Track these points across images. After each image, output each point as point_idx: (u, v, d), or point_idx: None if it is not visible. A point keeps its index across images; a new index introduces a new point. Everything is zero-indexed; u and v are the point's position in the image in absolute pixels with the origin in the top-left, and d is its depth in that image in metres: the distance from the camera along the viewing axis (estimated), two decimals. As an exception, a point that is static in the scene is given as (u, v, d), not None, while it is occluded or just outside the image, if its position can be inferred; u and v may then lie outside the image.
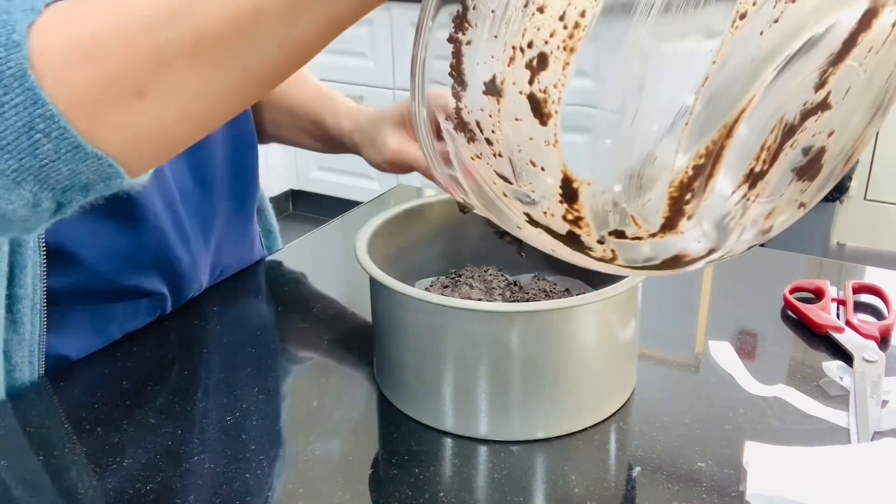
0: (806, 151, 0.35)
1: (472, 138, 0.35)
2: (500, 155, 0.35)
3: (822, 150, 0.36)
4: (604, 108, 0.33)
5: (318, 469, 0.51)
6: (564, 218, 0.36)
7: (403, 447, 0.52)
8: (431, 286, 0.66)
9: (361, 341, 0.66)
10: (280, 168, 2.99)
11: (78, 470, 0.50)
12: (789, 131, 0.34)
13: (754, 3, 0.30)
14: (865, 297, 0.71)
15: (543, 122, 0.33)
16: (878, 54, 0.33)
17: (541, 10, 0.31)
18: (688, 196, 0.35)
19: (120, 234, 0.62)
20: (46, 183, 0.37)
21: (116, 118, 0.36)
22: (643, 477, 0.49)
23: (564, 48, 0.31)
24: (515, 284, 0.66)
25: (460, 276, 0.67)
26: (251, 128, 0.76)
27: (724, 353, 0.62)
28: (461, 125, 0.36)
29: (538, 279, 0.68)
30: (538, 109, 0.33)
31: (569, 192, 0.35)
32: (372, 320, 0.59)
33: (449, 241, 0.68)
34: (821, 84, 0.33)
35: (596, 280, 0.66)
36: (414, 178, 2.80)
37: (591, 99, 0.33)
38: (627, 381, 0.57)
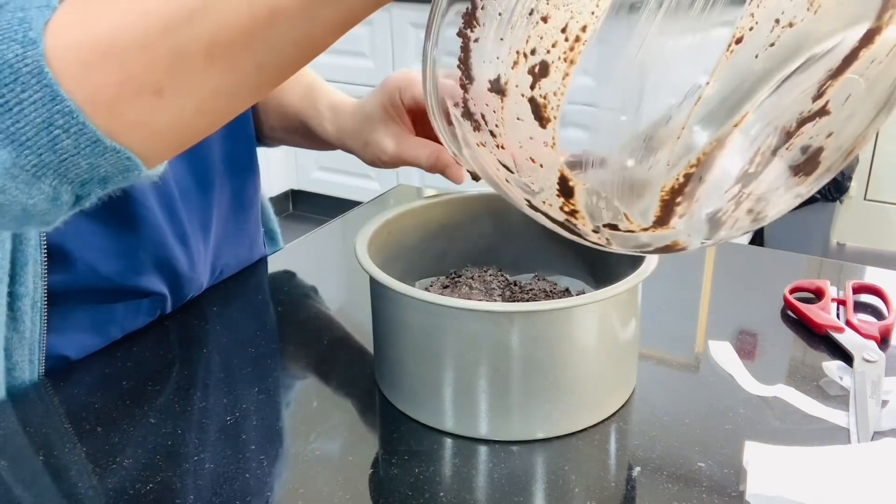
0: (804, 150, 0.35)
1: (477, 127, 0.36)
2: (502, 147, 0.36)
3: (819, 150, 0.36)
4: (601, 115, 0.34)
5: (318, 469, 0.51)
6: (561, 209, 0.37)
7: (403, 447, 0.52)
8: (431, 286, 0.66)
9: (361, 341, 0.66)
10: (280, 168, 2.99)
11: (78, 470, 0.50)
12: (785, 137, 0.34)
13: (751, 28, 0.30)
14: (865, 297, 0.71)
15: (543, 126, 0.34)
16: (882, 64, 0.33)
17: (544, 19, 0.32)
18: (678, 199, 0.35)
19: (118, 234, 0.62)
20: (66, 177, 0.38)
21: (134, 115, 0.37)
22: (643, 477, 0.49)
23: (565, 59, 0.32)
24: (515, 284, 0.66)
25: (460, 276, 0.67)
26: (249, 126, 0.76)
27: (724, 353, 0.62)
28: (468, 114, 0.36)
29: (538, 279, 0.68)
30: (538, 113, 0.34)
31: (565, 189, 0.36)
32: (372, 320, 0.59)
33: (449, 241, 0.68)
34: (819, 95, 0.33)
35: (596, 280, 0.66)
36: (414, 178, 2.80)
37: (594, 99, 0.34)
38: (627, 381, 0.57)
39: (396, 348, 0.55)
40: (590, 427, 0.54)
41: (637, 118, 0.34)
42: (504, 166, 0.37)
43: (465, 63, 0.35)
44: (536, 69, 0.33)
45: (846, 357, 0.61)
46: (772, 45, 0.31)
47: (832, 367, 0.60)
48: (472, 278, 0.66)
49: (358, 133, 0.72)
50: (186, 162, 0.68)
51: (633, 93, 0.33)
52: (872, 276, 0.77)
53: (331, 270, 0.82)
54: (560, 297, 0.64)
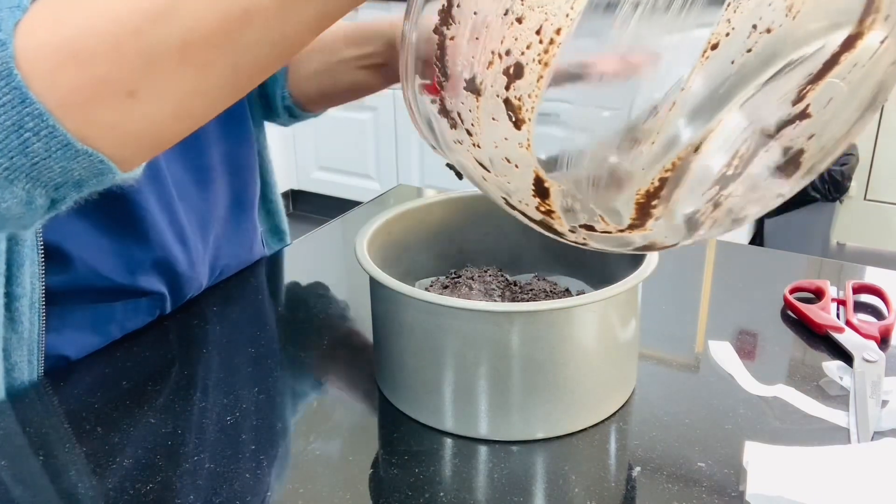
0: (785, 152, 0.35)
1: (454, 125, 0.36)
2: (478, 146, 0.36)
3: (801, 151, 0.35)
4: (578, 114, 0.34)
5: (318, 469, 0.51)
6: (538, 209, 0.37)
7: (403, 447, 0.52)
8: (431, 286, 0.66)
9: (361, 341, 0.66)
10: (280, 168, 2.99)
11: (78, 470, 0.50)
12: (764, 140, 0.34)
13: (727, 34, 0.30)
14: (865, 297, 0.71)
15: (518, 127, 0.34)
16: (864, 68, 0.33)
17: (519, 20, 0.31)
18: (654, 202, 0.35)
19: (117, 234, 0.62)
20: (39, 180, 0.37)
21: (107, 118, 0.36)
22: (643, 477, 0.49)
23: (539, 62, 0.32)
24: (515, 284, 0.66)
25: (460, 276, 0.67)
26: (248, 125, 0.76)
27: (724, 353, 0.62)
28: (444, 111, 0.36)
29: (538, 279, 0.68)
30: (513, 114, 0.33)
31: (540, 190, 0.36)
32: (372, 320, 0.59)
33: (449, 241, 0.68)
34: (799, 99, 0.33)
35: (596, 280, 0.66)
36: (414, 178, 2.80)
37: (570, 98, 0.34)
38: (627, 381, 0.57)
39: (396, 348, 0.55)
40: (590, 427, 0.54)
41: (613, 120, 0.33)
42: (481, 165, 0.37)
43: (440, 61, 0.35)
44: (511, 70, 0.32)
45: (846, 357, 0.61)
46: (749, 50, 0.30)
47: (832, 367, 0.60)
48: (472, 278, 0.66)
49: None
50: (185, 161, 0.68)
51: (609, 94, 0.33)
52: (872, 276, 0.77)
53: (331, 270, 0.82)
54: (560, 297, 0.64)
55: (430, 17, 0.35)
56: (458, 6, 0.33)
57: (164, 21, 0.35)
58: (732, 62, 0.31)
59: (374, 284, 0.55)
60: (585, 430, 0.54)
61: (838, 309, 0.69)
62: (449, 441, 0.53)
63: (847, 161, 2.37)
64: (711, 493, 0.48)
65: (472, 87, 0.34)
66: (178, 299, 0.70)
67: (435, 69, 0.35)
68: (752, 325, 0.68)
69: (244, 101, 0.76)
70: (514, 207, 0.39)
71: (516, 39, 0.32)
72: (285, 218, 0.89)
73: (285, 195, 3.11)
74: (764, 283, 0.75)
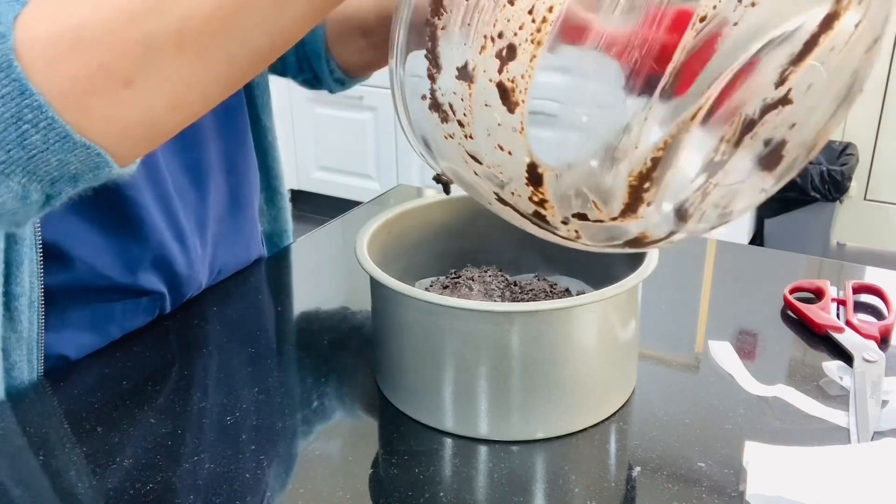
0: (767, 143, 0.36)
1: (445, 119, 0.36)
2: (471, 137, 0.36)
3: (783, 142, 0.36)
4: (569, 100, 0.34)
5: (318, 469, 0.51)
6: (531, 199, 0.38)
7: (403, 447, 0.52)
8: (431, 286, 0.66)
9: (361, 341, 0.66)
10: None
11: (78, 470, 0.50)
12: (749, 125, 0.35)
13: (714, 7, 0.31)
14: (865, 297, 0.71)
15: (511, 110, 0.34)
16: (841, 54, 0.34)
17: (511, 2, 0.32)
18: (647, 185, 0.35)
19: (115, 233, 0.62)
20: (35, 174, 0.37)
21: (104, 108, 0.36)
22: (643, 477, 0.49)
23: (532, 41, 0.32)
24: (515, 284, 0.66)
25: (460, 276, 0.67)
26: (245, 123, 0.76)
27: (724, 353, 0.62)
28: (435, 105, 0.36)
29: (538, 279, 0.68)
30: (506, 98, 0.34)
31: (534, 177, 0.36)
32: (372, 320, 0.59)
33: (449, 241, 0.68)
34: (781, 81, 0.34)
35: (596, 280, 0.66)
36: (414, 178, 2.80)
37: (559, 91, 0.34)
38: (627, 381, 0.57)
39: (396, 348, 0.55)
40: (590, 427, 0.54)
41: (601, 98, 0.34)
42: (473, 158, 0.37)
43: (432, 52, 0.35)
44: (504, 52, 0.33)
45: (846, 357, 0.61)
46: (735, 24, 0.31)
47: (832, 367, 0.60)
48: (472, 278, 0.66)
49: None
50: (182, 160, 0.68)
51: (599, 77, 0.33)
52: (872, 276, 0.77)
53: (331, 270, 0.82)
54: (560, 297, 0.64)
55: (422, 6, 0.35)
56: None
57: (161, 10, 0.35)
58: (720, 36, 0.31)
59: (374, 284, 0.55)
60: (585, 430, 0.54)
61: (838, 309, 0.69)
62: (449, 441, 0.53)
63: (847, 161, 2.37)
64: (711, 493, 0.48)
65: (465, 75, 0.34)
66: (177, 299, 0.70)
67: (427, 61, 0.35)
68: (752, 325, 0.68)
69: (241, 100, 0.75)
70: (505, 202, 0.39)
71: (508, 21, 0.32)
72: (290, 215, 0.89)
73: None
74: (764, 283, 0.75)
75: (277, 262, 0.83)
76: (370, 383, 0.60)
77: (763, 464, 0.48)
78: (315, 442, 0.53)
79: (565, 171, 0.36)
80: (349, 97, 2.72)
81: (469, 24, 0.33)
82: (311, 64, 0.77)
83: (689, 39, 0.31)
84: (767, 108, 0.34)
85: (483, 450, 0.52)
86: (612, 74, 0.33)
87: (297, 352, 0.65)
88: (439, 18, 0.34)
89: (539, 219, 0.39)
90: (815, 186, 2.33)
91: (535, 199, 0.37)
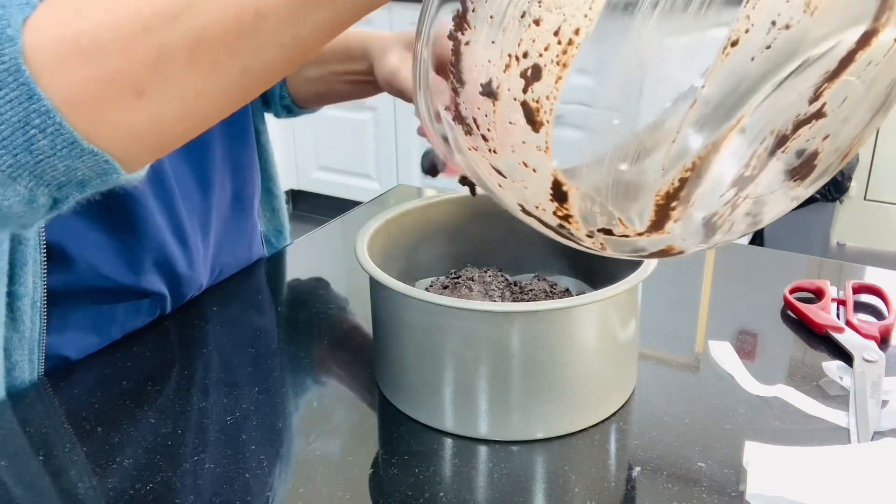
0: (799, 154, 0.35)
1: (469, 132, 0.36)
2: (494, 151, 0.36)
3: (815, 153, 0.35)
4: (596, 116, 0.34)
5: (318, 469, 0.51)
6: (555, 214, 0.37)
7: (403, 447, 0.52)
8: (431, 286, 0.66)
9: (361, 341, 0.66)
10: (280, 168, 2.99)
11: (78, 470, 0.50)
12: (781, 140, 0.34)
13: (746, 31, 0.30)
14: (865, 297, 0.71)
15: (536, 130, 0.34)
16: (878, 66, 0.33)
17: (536, 22, 0.31)
18: (674, 204, 0.35)
19: (118, 234, 0.62)
20: (42, 179, 0.37)
21: (114, 116, 0.36)
22: (643, 477, 0.49)
23: (557, 63, 0.31)
24: (515, 284, 0.66)
25: (460, 276, 0.67)
26: (248, 123, 0.76)
27: (724, 353, 0.62)
28: (459, 118, 0.36)
29: (538, 279, 0.68)
30: (531, 117, 0.33)
31: (559, 194, 0.36)
32: (372, 320, 0.59)
33: (449, 241, 0.68)
34: (815, 97, 0.33)
35: (596, 280, 0.66)
36: (414, 178, 2.80)
37: (588, 99, 0.34)
38: (627, 381, 0.57)
39: (396, 348, 0.55)
40: (590, 427, 0.54)
41: (632, 120, 0.33)
42: (497, 171, 0.37)
43: (456, 67, 0.35)
44: (529, 73, 0.32)
45: (846, 357, 0.61)
46: (768, 47, 0.30)
47: (832, 367, 0.60)
48: (472, 278, 0.66)
49: (384, 43, 0.69)
50: (187, 161, 0.68)
51: (628, 94, 0.33)
52: (872, 276, 0.77)
53: (331, 270, 0.82)
54: (560, 297, 0.64)
55: (444, 23, 0.35)
56: (473, 11, 0.33)
57: (178, 19, 0.34)
58: (752, 59, 0.31)
59: (374, 284, 0.55)
60: (585, 430, 0.54)
61: (838, 309, 0.69)
62: (449, 441, 0.53)
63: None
64: (711, 493, 0.48)
65: (489, 92, 0.34)
66: (178, 299, 0.70)
67: (450, 75, 0.35)
68: (752, 325, 0.68)
69: None
70: (529, 214, 0.38)
71: (534, 41, 0.31)
72: (287, 215, 0.89)
73: (285, 195, 3.10)
74: (764, 283, 0.75)
75: (277, 262, 0.83)
76: (370, 383, 0.60)
77: (763, 464, 0.48)
78: (315, 442, 0.53)
79: (591, 189, 0.35)
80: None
81: (494, 42, 0.32)
82: None
83: (718, 64, 0.31)
84: (800, 124, 0.34)
85: (483, 450, 0.52)
86: (640, 85, 0.32)
87: (297, 352, 0.65)
88: (463, 34, 0.34)
89: (564, 231, 0.39)
90: (816, 186, 2.33)
91: (560, 214, 0.37)
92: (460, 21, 0.33)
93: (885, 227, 2.53)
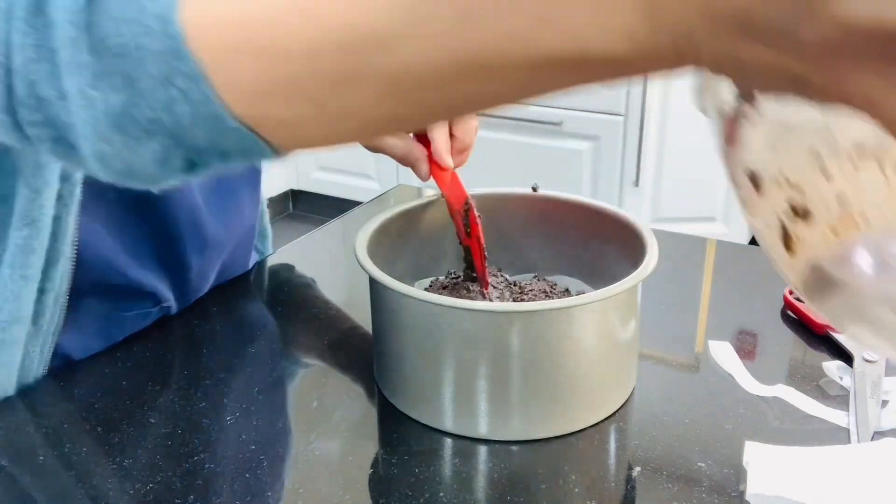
0: None
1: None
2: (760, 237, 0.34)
3: None
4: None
5: (318, 469, 0.51)
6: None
7: (403, 447, 0.52)
8: (431, 286, 0.66)
9: (361, 341, 0.66)
10: (280, 168, 2.99)
11: (78, 470, 0.51)
12: None
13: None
14: (865, 297, 0.71)
15: (791, 256, 0.32)
16: None
17: (827, 178, 0.29)
18: None
19: (142, 240, 0.62)
20: (181, 141, 0.33)
21: (280, 114, 0.32)
22: (643, 477, 0.49)
23: (830, 229, 0.30)
24: (515, 284, 0.66)
25: (460, 276, 0.67)
26: None
27: (724, 353, 0.62)
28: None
29: (538, 279, 0.68)
30: (788, 244, 0.31)
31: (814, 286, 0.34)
32: (372, 320, 0.59)
33: (449, 242, 0.68)
34: None
35: (596, 280, 0.66)
36: (414, 179, 2.80)
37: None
38: (627, 381, 0.57)
39: (396, 348, 0.55)
40: (590, 427, 0.54)
41: None
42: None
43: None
44: (799, 210, 0.30)
45: (846, 357, 0.61)
46: None
47: (832, 367, 0.60)
48: (472, 278, 0.66)
49: None
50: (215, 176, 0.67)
51: None
52: (872, 276, 0.77)
53: (331, 270, 0.82)
54: (560, 297, 0.64)
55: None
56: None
57: (384, 48, 0.29)
58: None
59: (374, 284, 0.55)
60: (585, 430, 0.54)
61: (838, 309, 0.69)
62: (449, 441, 0.53)
63: (847, 161, 2.37)
64: (711, 493, 0.48)
65: (755, 183, 0.31)
66: (182, 304, 0.70)
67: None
68: (752, 325, 0.68)
69: None
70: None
71: (817, 200, 0.30)
72: (268, 218, 0.88)
73: (285, 195, 3.10)
74: (764, 283, 0.75)
75: (278, 263, 0.83)
76: (370, 383, 0.60)
77: (763, 464, 0.48)
78: (315, 442, 0.53)
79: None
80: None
81: (769, 176, 0.30)
82: None
83: None
84: None
85: (483, 450, 0.52)
86: None
87: (297, 352, 0.65)
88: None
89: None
90: (816, 186, 2.33)
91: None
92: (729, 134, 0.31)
93: (886, 227, 2.52)
